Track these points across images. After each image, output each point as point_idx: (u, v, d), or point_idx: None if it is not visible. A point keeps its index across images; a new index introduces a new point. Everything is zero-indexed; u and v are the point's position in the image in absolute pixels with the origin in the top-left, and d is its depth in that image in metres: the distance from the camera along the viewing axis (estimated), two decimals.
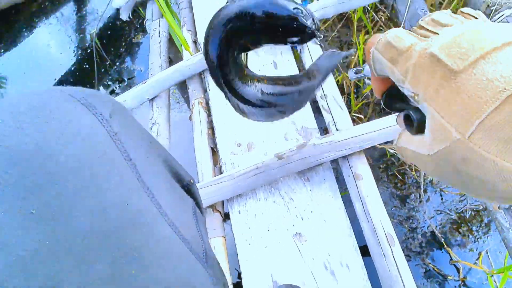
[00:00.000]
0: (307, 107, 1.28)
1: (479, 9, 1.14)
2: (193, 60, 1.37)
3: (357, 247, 1.06)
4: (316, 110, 1.32)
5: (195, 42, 1.53)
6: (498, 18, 1.11)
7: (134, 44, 2.84)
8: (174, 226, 0.36)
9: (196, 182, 0.52)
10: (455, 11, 0.29)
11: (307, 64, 1.29)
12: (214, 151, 1.34)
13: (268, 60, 1.40)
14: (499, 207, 0.94)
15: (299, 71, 1.35)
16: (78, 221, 0.27)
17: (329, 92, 1.20)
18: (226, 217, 1.23)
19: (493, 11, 1.12)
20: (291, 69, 1.36)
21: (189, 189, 0.49)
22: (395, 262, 0.93)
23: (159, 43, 1.63)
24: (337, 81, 1.84)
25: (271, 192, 1.18)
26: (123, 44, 2.86)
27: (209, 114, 1.39)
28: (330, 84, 1.23)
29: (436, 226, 1.65)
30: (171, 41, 1.71)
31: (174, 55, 1.93)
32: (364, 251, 1.07)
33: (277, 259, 1.08)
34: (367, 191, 1.02)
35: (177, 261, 0.35)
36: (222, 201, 1.22)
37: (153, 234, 0.32)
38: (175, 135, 1.71)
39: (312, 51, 1.30)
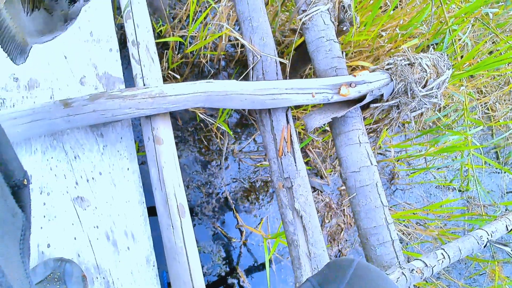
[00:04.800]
0: (115, 50, 1.09)
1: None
2: None
3: (146, 216, 0.98)
4: (126, 58, 1.15)
5: None
6: (314, 12, 1.17)
7: None
8: (2, 274, 0.26)
9: (29, 182, 0.33)
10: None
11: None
12: None
13: None
14: (283, 186, 1.02)
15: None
16: None
17: (142, 40, 1.04)
18: None
19: (312, 3, 1.18)
20: (103, 0, 1.13)
21: (17, 192, 0.33)
22: (183, 234, 0.89)
23: None
24: (159, 32, 1.68)
25: (52, 145, 0.96)
26: None
27: None
28: (145, 32, 1.07)
29: (230, 193, 1.74)
30: None
31: None
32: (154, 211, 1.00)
33: (48, 227, 0.90)
34: (166, 157, 0.94)
35: None
36: None
37: None
38: None
39: None
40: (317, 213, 1.90)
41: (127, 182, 0.98)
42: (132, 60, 1.04)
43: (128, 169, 0.99)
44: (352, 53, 1.84)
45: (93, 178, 0.96)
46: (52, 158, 0.94)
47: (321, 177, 1.94)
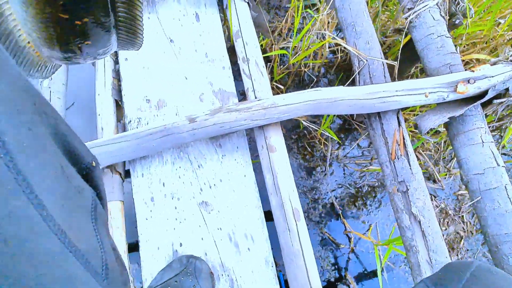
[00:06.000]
0: (227, 67, 1.19)
1: None
2: None
3: (263, 219, 1.04)
4: (237, 74, 1.24)
5: None
6: (422, 8, 1.13)
7: None
8: (64, 235, 0.28)
9: (99, 164, 0.40)
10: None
11: (233, 21, 1.19)
12: (119, 104, 1.19)
13: (189, 11, 1.25)
14: (397, 190, 0.99)
15: (224, 28, 1.24)
16: None
17: (252, 56, 1.12)
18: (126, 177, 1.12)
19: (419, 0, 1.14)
20: (215, 24, 1.25)
21: (88, 174, 0.38)
22: (299, 237, 0.93)
23: None
24: (261, 45, 1.77)
25: (179, 156, 1.09)
26: None
27: (116, 62, 1.21)
28: (253, 48, 1.15)
29: (336, 199, 1.74)
30: None
31: None
32: (270, 216, 1.05)
33: (179, 228, 1.02)
34: (279, 164, 0.99)
35: (65, 284, 0.27)
36: (124, 162, 1.09)
37: (33, 250, 0.25)
38: (74, 79, 1.49)
39: (238, 8, 1.20)
40: None
41: (245, 188, 1.06)
42: (243, 75, 1.13)
43: (245, 176, 1.07)
44: (464, 46, 1.70)
45: (214, 185, 1.06)
46: (180, 167, 1.07)
47: (434, 181, 1.81)
